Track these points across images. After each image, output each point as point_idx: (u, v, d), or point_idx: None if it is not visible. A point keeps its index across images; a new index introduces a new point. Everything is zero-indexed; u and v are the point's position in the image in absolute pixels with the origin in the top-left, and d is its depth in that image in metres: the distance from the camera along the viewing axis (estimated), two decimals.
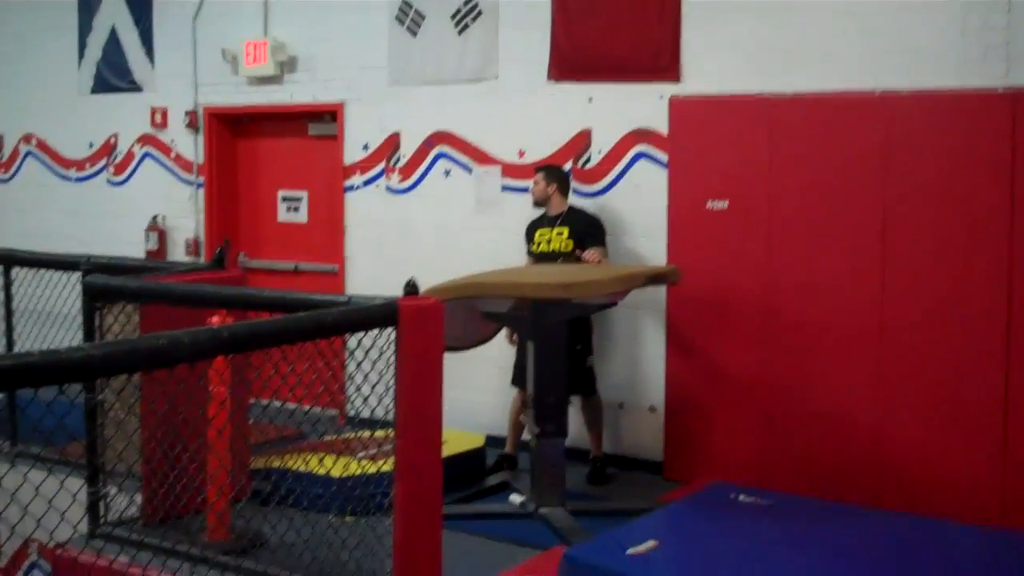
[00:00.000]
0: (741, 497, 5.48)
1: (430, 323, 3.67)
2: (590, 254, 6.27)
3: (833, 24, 6.03)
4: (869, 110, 5.86)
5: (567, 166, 6.82)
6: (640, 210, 6.62)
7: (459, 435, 6.39)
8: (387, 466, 4.88)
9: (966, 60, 5.68)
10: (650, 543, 4.72)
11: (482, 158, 7.19)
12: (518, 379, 6.43)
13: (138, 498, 5.15)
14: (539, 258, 6.48)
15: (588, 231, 6.43)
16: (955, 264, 5.65)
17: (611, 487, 6.41)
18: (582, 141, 6.86)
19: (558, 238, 6.42)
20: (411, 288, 3.69)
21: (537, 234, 6.52)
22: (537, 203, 6.58)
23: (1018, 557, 4.70)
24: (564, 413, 5.78)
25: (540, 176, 6.57)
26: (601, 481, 6.44)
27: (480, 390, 6.96)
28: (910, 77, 5.79)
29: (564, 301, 5.56)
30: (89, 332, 4.98)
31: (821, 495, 5.65)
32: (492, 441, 6.68)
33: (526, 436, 5.92)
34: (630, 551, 4.63)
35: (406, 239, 7.55)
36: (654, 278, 5.79)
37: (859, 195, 5.87)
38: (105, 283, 4.94)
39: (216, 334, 3.12)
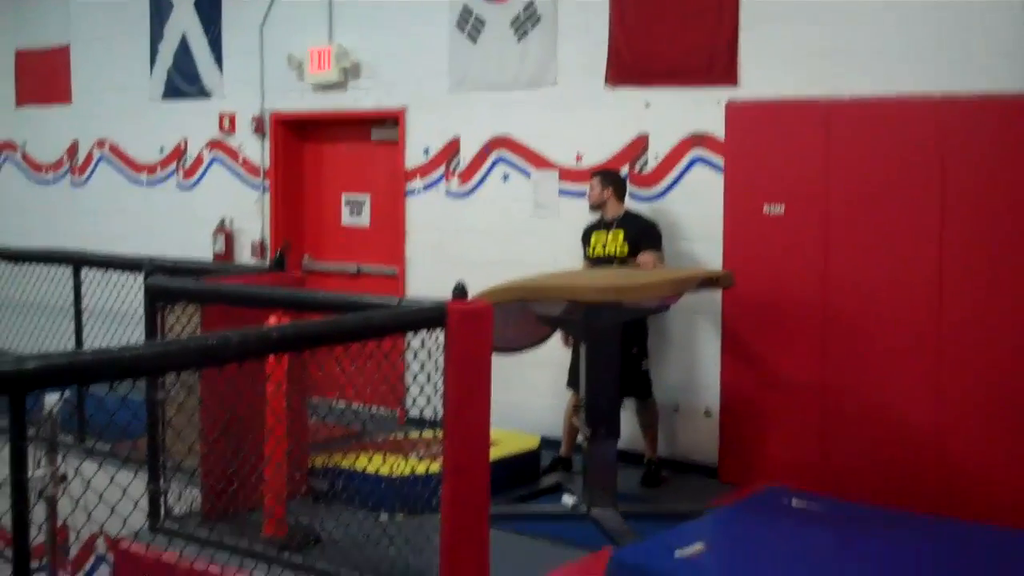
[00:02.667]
0: (794, 502, 5.46)
1: (479, 325, 3.72)
2: (644, 257, 6.28)
3: (891, 27, 5.98)
4: (927, 114, 5.80)
5: (624, 171, 6.85)
6: (696, 214, 6.62)
7: (514, 436, 6.45)
8: (437, 466, 4.96)
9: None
10: (698, 546, 4.73)
11: (540, 163, 7.24)
12: (573, 382, 6.47)
13: (198, 494, 5.29)
14: (595, 262, 6.51)
15: (644, 235, 6.45)
16: (1014, 267, 5.57)
17: (665, 490, 6.41)
18: (639, 146, 6.88)
19: (613, 242, 6.45)
20: (460, 291, 3.75)
21: (593, 238, 6.56)
22: (593, 207, 6.62)
23: None
24: (616, 416, 5.81)
25: (596, 180, 6.61)
26: (655, 483, 6.45)
27: (536, 392, 7.02)
28: (969, 81, 5.72)
29: (616, 304, 5.58)
30: (151, 332, 5.13)
31: (878, 501, 5.60)
32: (547, 443, 6.71)
33: (581, 439, 5.95)
34: (678, 554, 4.65)
35: (465, 242, 7.63)
36: (707, 282, 5.79)
37: (916, 199, 5.81)
38: (166, 284, 5.09)
39: (265, 334, 3.22)
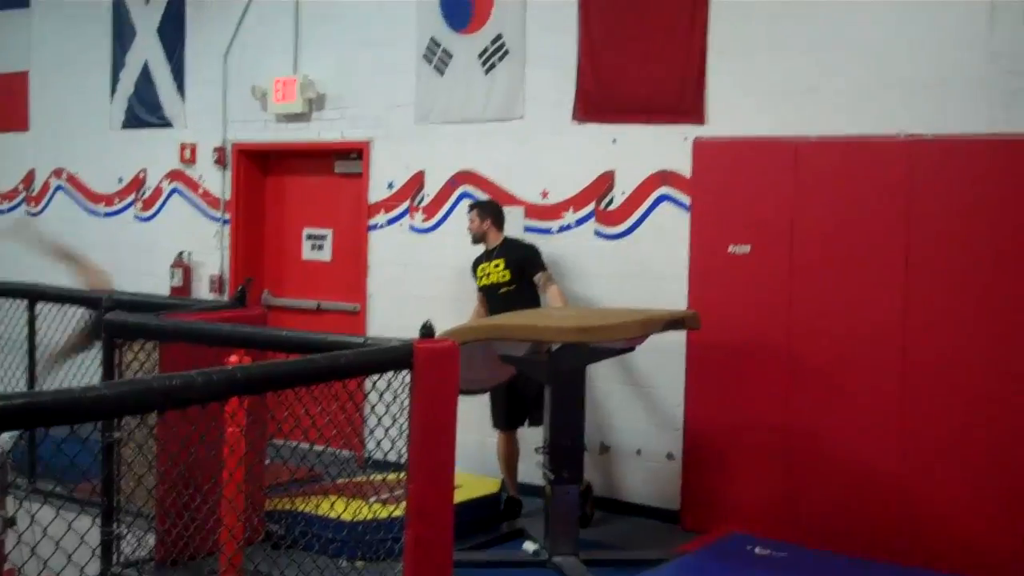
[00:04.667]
0: (757, 550, 5.41)
1: (445, 366, 3.63)
2: (551, 294, 6.43)
3: (859, 68, 5.99)
4: (894, 154, 5.80)
5: (590, 207, 6.82)
6: (662, 253, 6.59)
7: (475, 479, 6.35)
8: (399, 511, 4.83)
9: (992, 106, 5.62)
10: None
11: (505, 198, 7.18)
12: (499, 421, 6.45)
13: (151, 539, 5.13)
14: (485, 291, 6.66)
15: (525, 260, 6.59)
16: (979, 311, 5.56)
17: (629, 536, 6.31)
18: (605, 182, 6.84)
19: (496, 270, 6.59)
20: (427, 331, 3.66)
21: (479, 270, 6.69)
22: (475, 240, 6.73)
23: None
24: (580, 459, 5.73)
25: (475, 213, 6.75)
26: (517, 515, 6.50)
27: (494, 433, 6.91)
28: (936, 123, 5.73)
29: (581, 345, 5.51)
30: (109, 370, 4.98)
31: (843, 548, 5.55)
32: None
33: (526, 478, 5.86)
34: None
35: (429, 278, 7.54)
36: (673, 323, 5.74)
37: (883, 240, 5.80)
38: (124, 321, 4.95)
39: (230, 375, 3.10)
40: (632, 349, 6.09)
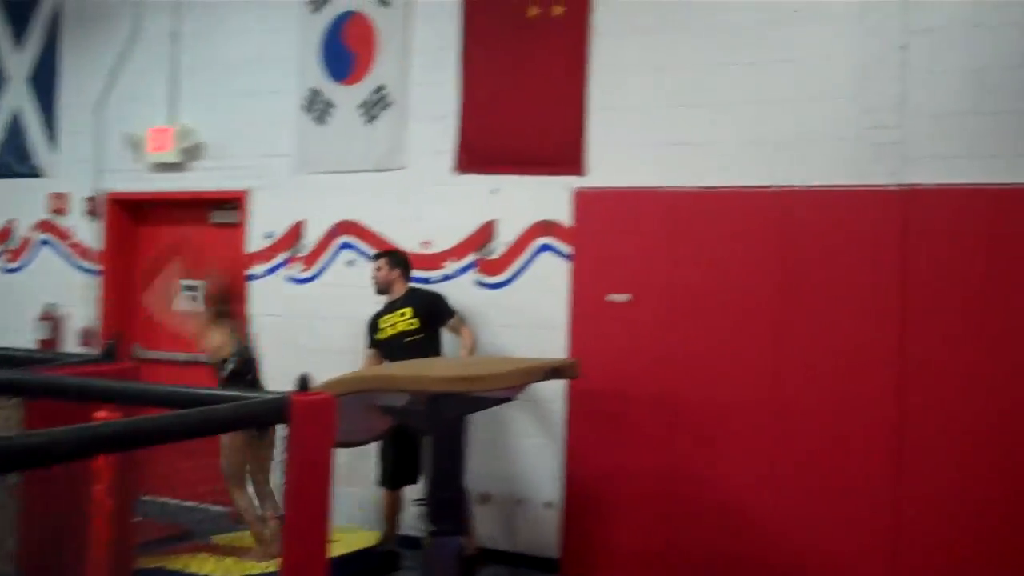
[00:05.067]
0: None
1: (322, 419, 3.55)
2: (465, 340, 6.42)
3: (733, 121, 6.14)
4: (769, 206, 5.95)
5: (471, 257, 6.82)
6: (543, 302, 6.61)
7: (352, 532, 6.22)
8: (273, 567, 4.70)
9: (859, 159, 5.81)
10: None
11: (387, 248, 7.12)
12: (385, 480, 6.36)
13: None
14: (388, 342, 6.47)
15: (434, 307, 6.53)
16: (847, 352, 5.71)
17: None
18: (487, 232, 6.85)
19: (402, 319, 6.48)
20: (303, 383, 3.59)
21: (381, 322, 6.54)
22: (381, 290, 6.63)
23: None
24: (460, 510, 5.66)
25: (384, 262, 6.66)
26: (395, 570, 6.38)
27: (373, 484, 6.79)
28: (808, 174, 5.90)
29: (461, 395, 5.46)
30: None
31: None
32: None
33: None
34: None
35: (309, 330, 7.42)
36: (553, 372, 5.74)
37: (757, 289, 5.93)
38: None
39: (98, 431, 2.98)
40: (513, 398, 6.06)
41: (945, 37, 5.69)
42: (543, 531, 6.54)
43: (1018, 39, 5.55)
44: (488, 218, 6.86)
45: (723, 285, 6.03)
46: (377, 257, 6.74)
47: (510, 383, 5.66)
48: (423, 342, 6.40)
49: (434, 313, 6.50)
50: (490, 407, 6.19)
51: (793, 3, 6.03)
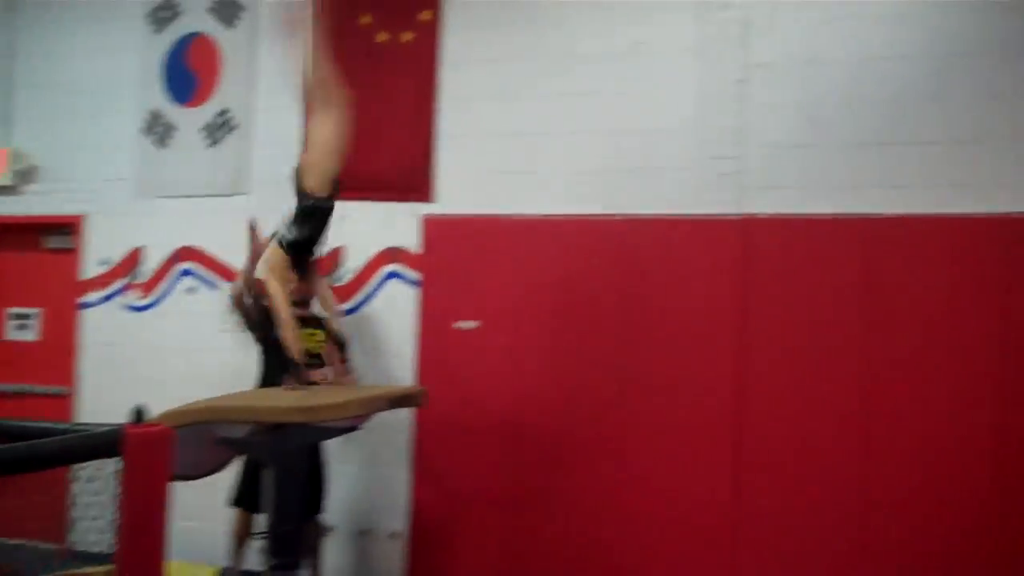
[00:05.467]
0: None
1: (158, 452, 3.43)
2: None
3: (579, 150, 6.19)
4: (611, 232, 6.01)
5: None
6: (390, 330, 6.53)
7: (189, 569, 5.98)
8: None
9: (699, 189, 5.92)
10: None
11: (230, 275, 6.93)
12: (243, 500, 6.14)
13: None
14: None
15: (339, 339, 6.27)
16: (687, 375, 5.80)
17: None
18: (334, 258, 6.73)
19: (312, 339, 6.21)
20: (137, 415, 3.44)
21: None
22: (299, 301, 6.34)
23: None
24: (300, 543, 5.50)
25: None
26: None
27: (214, 519, 6.55)
28: (651, 203, 5.99)
29: (303, 425, 5.31)
30: None
31: None
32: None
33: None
34: None
35: (147, 359, 7.14)
36: (399, 400, 5.65)
37: (602, 315, 5.97)
38: None
39: None
40: (358, 428, 5.94)
41: (780, 72, 5.86)
42: (388, 561, 6.42)
43: (848, 76, 5.75)
44: (336, 244, 6.73)
45: (569, 311, 6.06)
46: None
47: (353, 412, 5.54)
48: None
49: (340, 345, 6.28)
50: (334, 437, 6.06)
51: (636, 36, 6.14)
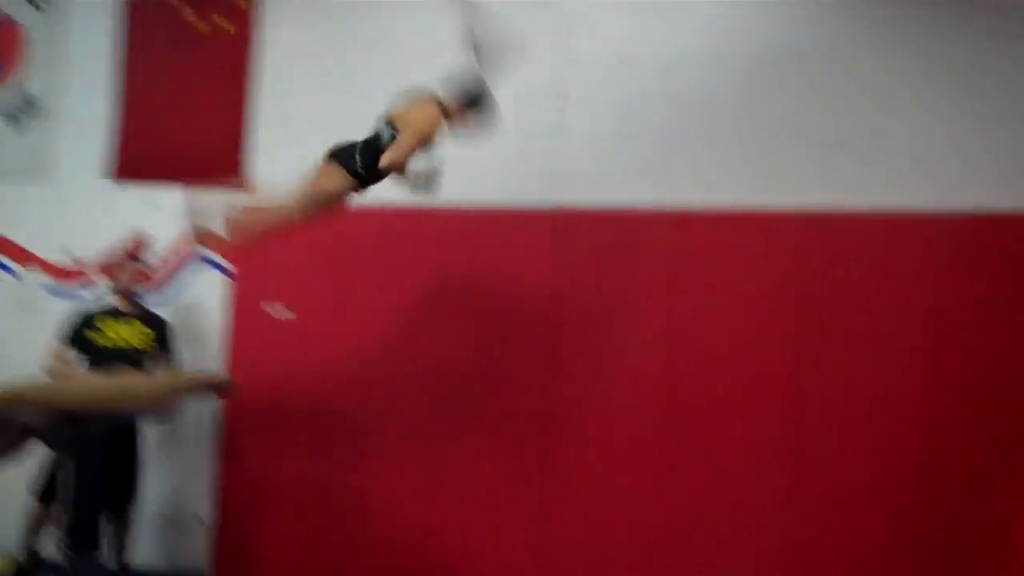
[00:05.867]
0: None
1: None
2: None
3: None
4: (428, 223, 6.09)
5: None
6: (200, 317, 6.44)
7: None
8: None
9: (515, 180, 6.08)
10: None
11: (29, 259, 6.69)
12: (42, 491, 5.95)
13: None
14: (102, 352, 5.96)
15: (166, 335, 6.17)
16: (503, 361, 5.91)
17: None
18: (140, 243, 6.60)
19: (135, 333, 6.06)
20: None
21: (103, 323, 6.05)
22: (122, 290, 6.18)
23: None
24: (97, 528, 5.39)
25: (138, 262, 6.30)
26: None
27: (8, 509, 6.30)
28: (468, 193, 6.10)
29: (106, 412, 5.22)
30: None
31: None
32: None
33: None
34: None
35: None
36: (207, 387, 5.61)
37: (419, 304, 6.05)
38: None
39: None
40: (164, 415, 5.85)
41: (596, 69, 6.09)
42: (195, 548, 6.34)
43: (659, 74, 6.03)
44: (144, 229, 6.60)
45: (388, 300, 6.11)
46: (132, 256, 6.28)
47: (160, 400, 5.48)
48: (148, 369, 5.96)
49: (164, 343, 6.12)
50: (139, 424, 5.96)
51: (456, 29, 6.23)
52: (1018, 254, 5.46)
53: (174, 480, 6.44)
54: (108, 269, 6.33)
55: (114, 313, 6.14)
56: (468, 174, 6.10)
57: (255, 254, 6.32)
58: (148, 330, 6.10)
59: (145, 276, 6.28)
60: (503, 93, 5.57)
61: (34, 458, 5.97)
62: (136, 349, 6.03)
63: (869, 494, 5.51)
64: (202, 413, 6.28)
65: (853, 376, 5.56)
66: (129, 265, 6.23)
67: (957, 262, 5.51)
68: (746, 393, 5.67)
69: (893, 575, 5.45)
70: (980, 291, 5.45)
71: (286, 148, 6.42)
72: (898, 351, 5.51)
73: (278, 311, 6.21)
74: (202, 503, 6.35)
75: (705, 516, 5.70)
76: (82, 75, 6.80)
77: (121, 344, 6.03)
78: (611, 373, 5.86)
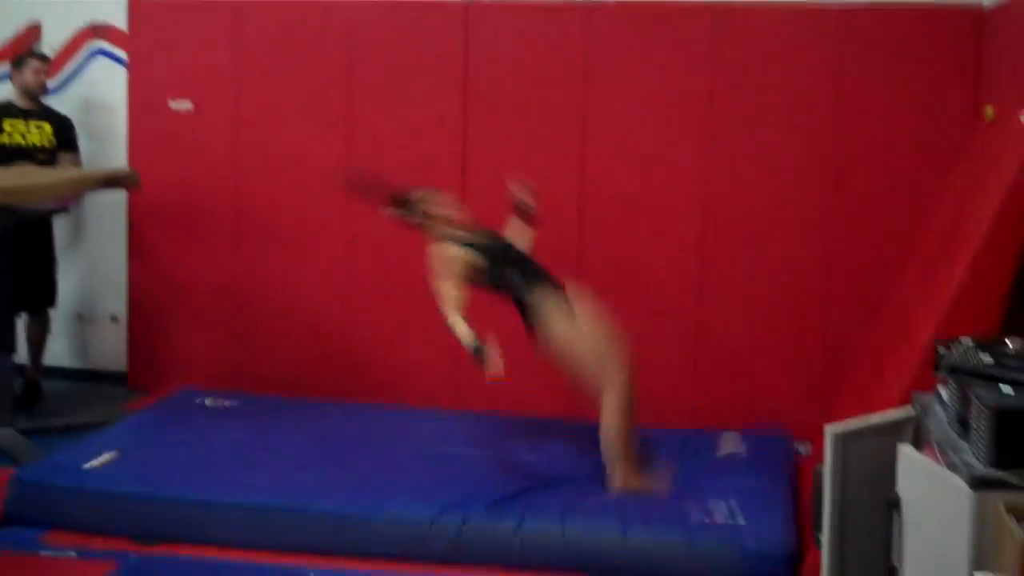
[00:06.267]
0: (207, 401, 5.45)
1: None
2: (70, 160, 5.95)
3: None
4: (334, 18, 5.88)
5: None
6: (98, 111, 6.28)
7: None
8: None
9: None
10: (107, 455, 4.55)
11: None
12: None
13: None
14: (8, 152, 5.83)
15: (68, 133, 6.03)
16: (414, 158, 5.77)
17: (72, 402, 6.06)
18: (32, 36, 6.33)
19: (38, 132, 5.91)
20: None
21: (5, 123, 5.88)
22: (32, 93, 5.94)
23: (464, 432, 5.10)
24: (11, 329, 5.37)
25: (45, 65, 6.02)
26: (36, 400, 6.06)
27: None
28: None
29: (5, 207, 5.09)
30: None
31: (292, 393, 5.71)
32: None
33: None
34: (86, 466, 4.43)
35: None
36: (110, 182, 5.50)
37: (326, 99, 5.89)
38: None
39: None
40: (65, 210, 5.75)
41: None
42: (110, 346, 6.40)
43: None
44: (31, 20, 6.29)
45: (290, 95, 5.95)
46: (43, 57, 6.00)
47: (60, 194, 5.38)
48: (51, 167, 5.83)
49: (65, 142, 5.96)
50: (40, 219, 5.84)
51: None
52: (921, 44, 5.45)
53: (88, 276, 6.40)
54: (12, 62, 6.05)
55: (16, 112, 5.94)
56: None
57: (154, 45, 6.09)
58: (50, 128, 5.94)
59: (46, 74, 6.02)
60: None
61: None
62: (40, 147, 5.91)
63: (776, 289, 5.62)
64: (113, 208, 6.17)
65: (760, 167, 5.60)
66: (33, 62, 5.96)
67: (860, 54, 5.49)
68: (657, 184, 5.66)
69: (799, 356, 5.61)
70: (882, 82, 5.46)
71: None
72: (807, 136, 5.53)
73: (179, 105, 6.02)
74: (116, 299, 6.34)
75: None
76: None
77: (20, 142, 5.90)
78: (521, 161, 5.72)
